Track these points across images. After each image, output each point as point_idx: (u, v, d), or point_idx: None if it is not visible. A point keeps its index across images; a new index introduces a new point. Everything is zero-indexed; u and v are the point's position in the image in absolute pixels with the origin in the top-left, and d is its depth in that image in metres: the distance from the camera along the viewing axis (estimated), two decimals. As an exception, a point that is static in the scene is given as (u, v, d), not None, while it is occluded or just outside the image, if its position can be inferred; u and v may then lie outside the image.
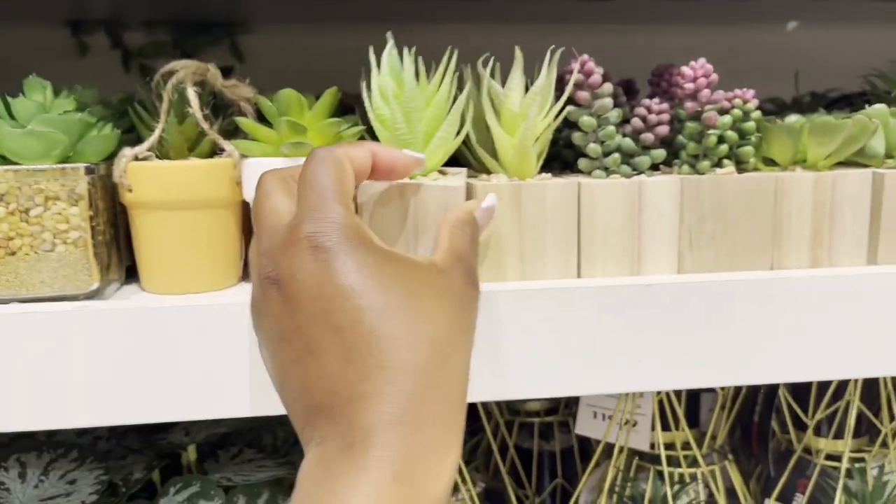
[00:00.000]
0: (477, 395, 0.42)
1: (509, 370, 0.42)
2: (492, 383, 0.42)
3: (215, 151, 0.44)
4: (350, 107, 0.56)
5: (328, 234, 0.31)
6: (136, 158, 0.42)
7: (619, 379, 0.43)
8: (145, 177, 0.41)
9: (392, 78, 0.42)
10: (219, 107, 0.45)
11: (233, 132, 0.45)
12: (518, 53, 0.43)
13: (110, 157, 0.43)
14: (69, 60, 0.84)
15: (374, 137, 0.44)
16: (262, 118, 0.45)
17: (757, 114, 0.44)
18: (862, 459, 0.62)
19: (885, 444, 0.63)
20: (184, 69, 0.42)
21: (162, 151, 0.43)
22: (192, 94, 0.42)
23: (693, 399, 0.65)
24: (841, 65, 0.79)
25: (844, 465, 0.60)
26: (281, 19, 0.86)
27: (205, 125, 0.43)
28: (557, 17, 0.81)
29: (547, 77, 0.43)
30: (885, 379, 0.61)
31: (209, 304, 0.40)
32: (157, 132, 0.42)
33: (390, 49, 0.42)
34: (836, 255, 0.45)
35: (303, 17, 0.84)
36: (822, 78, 0.78)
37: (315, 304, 0.31)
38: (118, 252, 0.44)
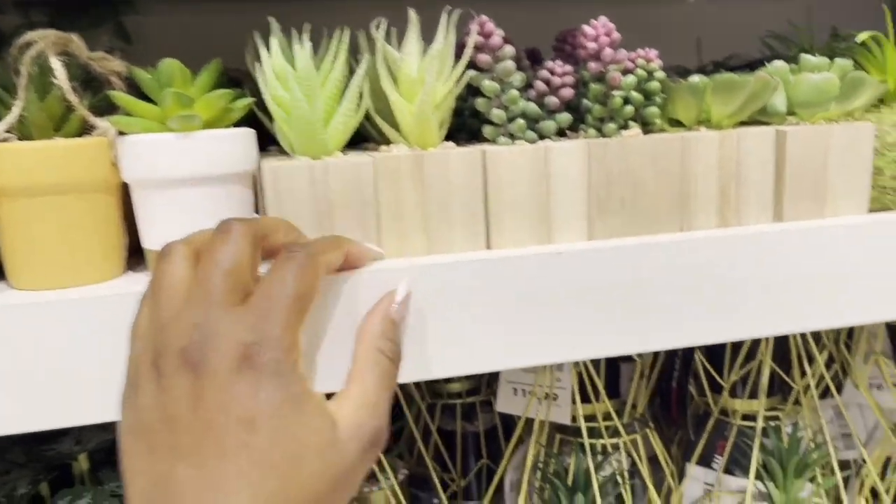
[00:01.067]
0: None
1: (421, 349, 0.40)
2: (403, 365, 0.40)
3: (85, 130, 0.40)
4: (238, 81, 0.52)
5: (263, 353, 0.29)
6: (-6, 140, 0.37)
7: (535, 351, 0.42)
8: (5, 160, 0.37)
9: (285, 59, 0.40)
10: (87, 82, 0.41)
11: (104, 111, 0.41)
12: (413, 15, 0.41)
13: (-35, 141, 0.38)
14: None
15: (266, 113, 0.41)
16: (138, 94, 0.41)
17: (661, 74, 0.44)
18: (777, 418, 0.63)
19: (798, 402, 0.64)
20: (43, 39, 0.38)
21: (23, 131, 0.39)
22: (56, 63, 0.38)
23: (613, 370, 0.65)
24: (742, 37, 0.80)
25: (760, 424, 0.61)
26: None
27: (73, 98, 0.39)
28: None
29: (445, 39, 0.41)
30: (795, 337, 0.62)
31: (88, 297, 0.37)
32: (15, 110, 0.38)
33: (277, 31, 0.40)
34: (744, 213, 0.45)
35: (193, -6, 0.79)
36: (725, 51, 0.79)
37: (214, 412, 0.29)
38: (-20, 246, 0.39)
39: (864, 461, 0.62)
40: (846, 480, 0.65)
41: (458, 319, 0.40)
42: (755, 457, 0.59)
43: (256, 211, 0.42)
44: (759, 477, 0.58)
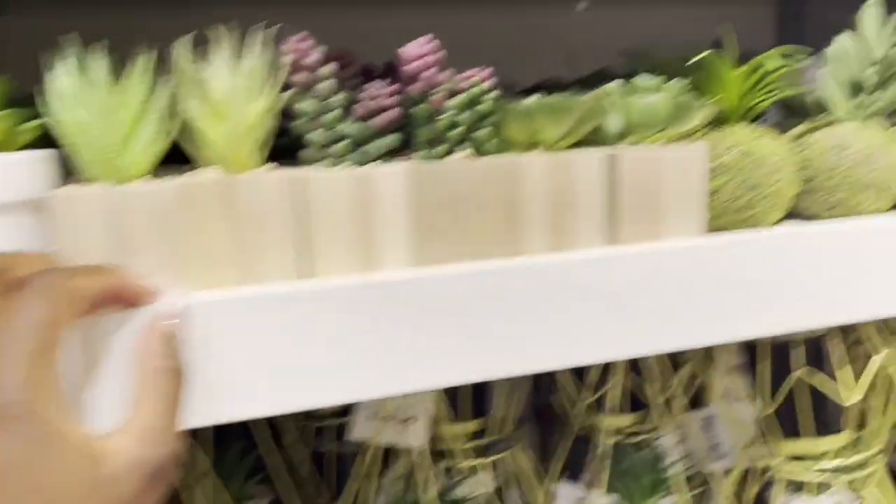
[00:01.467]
0: (202, 418, 0.37)
1: (236, 388, 0.37)
2: (216, 405, 0.38)
3: None
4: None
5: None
6: None
7: (364, 384, 0.40)
8: None
9: (80, 76, 0.37)
10: None
11: None
12: (223, 32, 0.38)
13: None
14: None
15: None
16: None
17: (493, 94, 0.42)
18: (639, 433, 0.63)
19: (662, 416, 0.64)
20: None
21: None
22: None
23: (479, 388, 0.64)
24: (633, 45, 0.80)
25: (610, 440, 0.61)
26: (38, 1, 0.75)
27: None
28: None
29: (259, 57, 0.38)
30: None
31: None
32: None
33: (76, 44, 0.37)
34: (578, 237, 0.44)
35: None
36: (611, 62, 0.79)
37: None
38: None
39: (725, 472, 0.63)
40: (709, 493, 0.66)
41: (277, 356, 0.38)
42: (605, 474, 0.59)
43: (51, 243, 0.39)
44: (616, 492, 0.58)
